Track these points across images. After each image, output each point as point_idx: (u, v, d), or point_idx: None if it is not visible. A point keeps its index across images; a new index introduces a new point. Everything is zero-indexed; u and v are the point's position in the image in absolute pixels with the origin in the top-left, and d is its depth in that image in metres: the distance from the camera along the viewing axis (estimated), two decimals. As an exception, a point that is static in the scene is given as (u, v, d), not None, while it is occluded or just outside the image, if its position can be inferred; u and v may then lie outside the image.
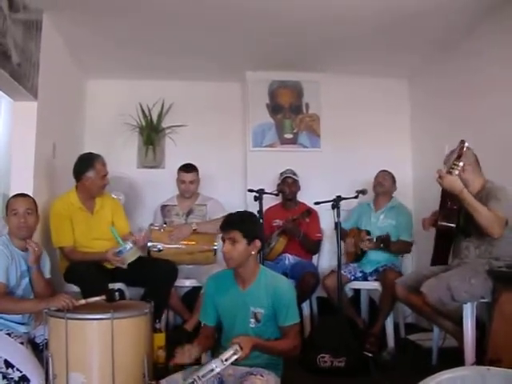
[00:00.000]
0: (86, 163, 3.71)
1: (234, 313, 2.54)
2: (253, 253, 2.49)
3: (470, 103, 4.15)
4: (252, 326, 2.48)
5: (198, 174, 4.40)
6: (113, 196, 4.20)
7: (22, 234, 2.84)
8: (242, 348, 2.19)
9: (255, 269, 2.54)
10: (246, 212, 2.81)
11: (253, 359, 2.38)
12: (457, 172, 3.01)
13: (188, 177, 4.36)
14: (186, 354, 2.38)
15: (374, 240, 4.09)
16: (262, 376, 2.31)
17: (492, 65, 3.82)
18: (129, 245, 3.50)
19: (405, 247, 4.26)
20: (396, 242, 4.18)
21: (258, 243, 2.50)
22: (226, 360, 2.15)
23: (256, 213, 3.70)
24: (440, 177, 3.03)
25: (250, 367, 2.38)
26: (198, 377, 2.13)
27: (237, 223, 2.51)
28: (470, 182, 3.15)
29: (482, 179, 3.20)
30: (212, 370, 2.14)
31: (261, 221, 3.69)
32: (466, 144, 3.01)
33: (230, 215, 2.62)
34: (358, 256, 4.26)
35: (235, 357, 2.16)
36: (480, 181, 3.19)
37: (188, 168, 4.37)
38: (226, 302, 2.57)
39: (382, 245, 4.04)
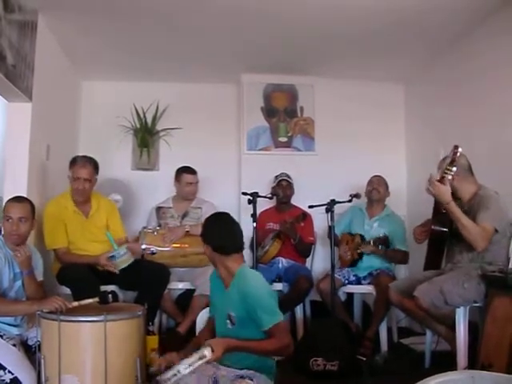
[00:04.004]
0: (69, 164, 3.74)
1: (219, 312, 2.60)
2: (207, 253, 2.55)
3: (465, 109, 4.16)
4: (229, 327, 2.48)
5: (197, 176, 4.44)
6: (109, 199, 4.20)
7: (13, 240, 2.82)
8: (213, 350, 2.15)
9: (229, 270, 2.52)
10: (212, 215, 2.74)
11: (243, 361, 2.38)
12: (450, 177, 3.01)
13: (192, 178, 4.39)
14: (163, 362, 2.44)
15: (371, 243, 4.10)
16: (251, 380, 2.30)
17: (487, 70, 3.83)
18: (123, 250, 3.50)
19: (401, 256, 4.23)
20: (393, 249, 4.20)
21: (206, 246, 2.55)
22: (191, 365, 2.10)
23: (250, 216, 3.73)
24: (430, 182, 3.05)
25: (241, 369, 2.37)
26: (164, 380, 2.10)
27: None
28: (461, 189, 3.17)
29: (475, 186, 3.20)
30: (175, 375, 2.10)
31: (254, 224, 3.70)
32: (460, 149, 2.99)
33: None
34: (353, 262, 4.26)
35: (202, 361, 2.11)
36: (472, 188, 3.19)
37: (191, 170, 4.41)
38: (215, 300, 2.65)
39: (380, 247, 4.06)
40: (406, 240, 4.27)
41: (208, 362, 2.17)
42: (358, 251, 4.20)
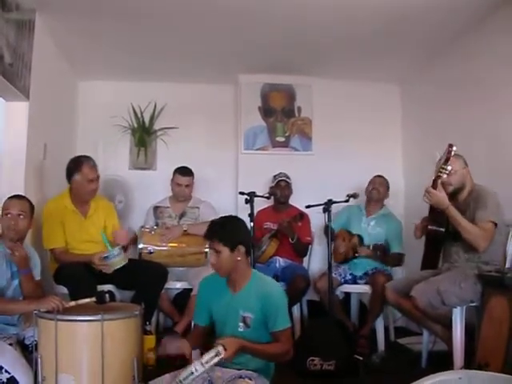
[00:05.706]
0: (74, 166, 3.68)
1: (225, 316, 2.54)
2: (238, 258, 2.45)
3: (463, 110, 4.15)
4: (241, 330, 2.47)
5: (193, 178, 4.40)
6: (107, 200, 4.17)
7: (11, 236, 2.82)
8: (226, 349, 2.18)
9: (246, 273, 2.53)
10: (227, 218, 2.67)
11: (243, 362, 2.38)
12: (445, 176, 3.03)
13: (184, 180, 4.35)
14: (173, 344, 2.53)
15: (371, 248, 4.15)
16: (250, 379, 2.30)
17: (486, 70, 3.82)
18: (116, 251, 3.49)
19: (398, 260, 4.28)
20: (390, 255, 4.24)
21: (241, 249, 2.46)
22: (207, 362, 2.12)
23: (247, 216, 3.72)
24: (428, 192, 3.05)
25: (239, 370, 2.38)
26: (180, 380, 2.12)
27: (216, 233, 2.47)
28: (468, 179, 3.19)
29: (471, 184, 3.22)
30: (192, 373, 2.12)
31: (251, 224, 3.70)
32: (455, 148, 2.98)
33: (212, 224, 2.55)
34: (347, 258, 4.27)
35: (217, 359, 2.14)
36: (469, 186, 3.22)
37: (184, 171, 4.37)
38: (218, 305, 2.58)
39: (377, 253, 4.13)
40: (402, 241, 4.32)
41: (220, 361, 2.18)
42: (356, 254, 4.21)
